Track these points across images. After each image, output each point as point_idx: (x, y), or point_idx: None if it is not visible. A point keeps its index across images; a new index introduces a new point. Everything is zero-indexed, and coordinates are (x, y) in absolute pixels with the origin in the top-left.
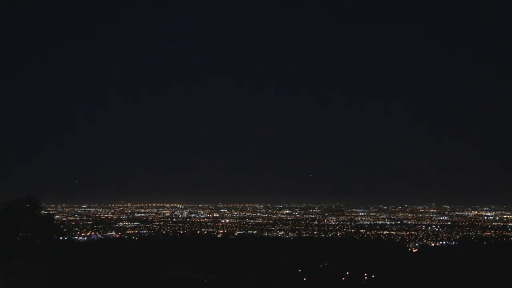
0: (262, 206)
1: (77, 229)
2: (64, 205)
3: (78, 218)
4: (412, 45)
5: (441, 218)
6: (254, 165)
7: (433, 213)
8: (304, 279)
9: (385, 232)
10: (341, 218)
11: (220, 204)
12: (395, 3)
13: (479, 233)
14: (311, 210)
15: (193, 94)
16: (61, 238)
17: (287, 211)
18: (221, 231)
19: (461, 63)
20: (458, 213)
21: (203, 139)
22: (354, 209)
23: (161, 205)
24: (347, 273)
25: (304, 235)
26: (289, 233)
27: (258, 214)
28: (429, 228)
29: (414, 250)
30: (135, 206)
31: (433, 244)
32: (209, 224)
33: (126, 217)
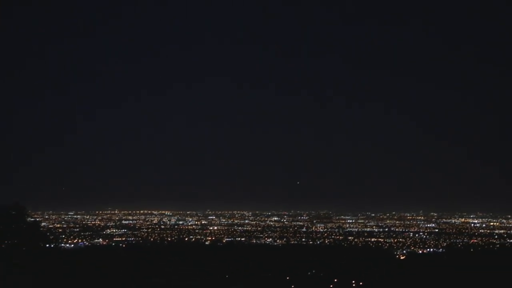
0: (250, 213)
1: (64, 236)
2: (51, 212)
3: (65, 225)
4: (412, 45)
5: (428, 225)
6: (242, 173)
7: (420, 220)
8: (292, 286)
9: (373, 239)
10: (329, 225)
11: (208, 211)
12: (395, 3)
13: (466, 240)
14: (299, 217)
15: (192, 94)
16: (47, 245)
17: (275, 218)
18: (209, 238)
19: (460, 63)
20: (445, 220)
21: (190, 146)
22: (342, 216)
23: (149, 212)
24: (335, 280)
25: (293, 242)
26: (278, 240)
27: (247, 221)
28: (417, 235)
29: (401, 257)
30: (123, 213)
31: (420, 251)
32: (197, 231)
33: (114, 224)
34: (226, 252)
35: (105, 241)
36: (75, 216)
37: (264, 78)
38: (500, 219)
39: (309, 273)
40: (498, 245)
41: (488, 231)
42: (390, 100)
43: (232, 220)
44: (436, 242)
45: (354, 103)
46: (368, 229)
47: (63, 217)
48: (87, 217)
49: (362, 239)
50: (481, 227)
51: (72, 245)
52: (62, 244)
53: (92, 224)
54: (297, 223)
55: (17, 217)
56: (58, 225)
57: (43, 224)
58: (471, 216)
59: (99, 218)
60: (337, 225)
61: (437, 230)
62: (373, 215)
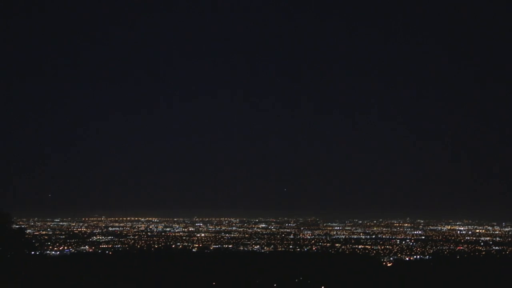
0: (237, 220)
1: (49, 243)
2: (36, 218)
3: (50, 232)
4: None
5: (415, 232)
6: (230, 179)
7: (407, 227)
8: None
9: (360, 246)
10: (316, 232)
11: (196, 218)
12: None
13: (452, 247)
14: (286, 224)
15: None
16: (32, 252)
17: (262, 225)
18: (197, 245)
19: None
20: (432, 228)
21: (178, 153)
22: (329, 223)
23: (136, 219)
24: (322, 287)
25: (280, 249)
26: (265, 247)
27: (234, 228)
28: (404, 242)
29: (388, 264)
30: (110, 220)
31: (407, 258)
32: (184, 238)
33: (100, 231)
34: (212, 259)
35: (91, 248)
36: (61, 223)
37: (244, 85)
38: (486, 226)
39: (296, 280)
40: (483, 252)
41: (474, 238)
42: (376, 107)
43: (219, 227)
44: (423, 249)
45: (341, 111)
46: (355, 236)
47: (48, 224)
48: (73, 224)
49: (349, 246)
50: (467, 234)
51: (58, 252)
52: (48, 252)
53: (78, 231)
54: (285, 230)
55: (1, 224)
56: (44, 232)
57: (28, 231)
58: (457, 223)
59: (86, 225)
60: (324, 232)
61: (423, 237)
62: (360, 222)
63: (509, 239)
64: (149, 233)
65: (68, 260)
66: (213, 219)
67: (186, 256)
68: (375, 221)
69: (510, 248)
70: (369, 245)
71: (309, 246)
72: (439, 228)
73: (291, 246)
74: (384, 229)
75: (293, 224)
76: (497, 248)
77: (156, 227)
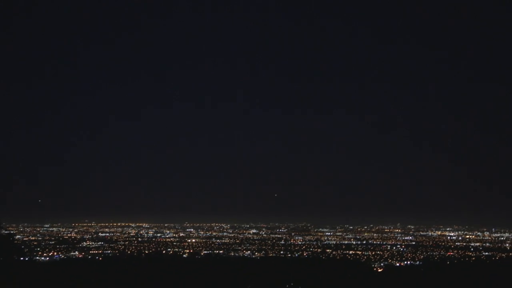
0: (228, 225)
1: (39, 249)
2: (25, 224)
3: (40, 238)
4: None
5: (405, 238)
6: (221, 185)
7: (398, 233)
8: None
9: (351, 252)
10: (307, 237)
11: (186, 224)
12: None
13: (442, 252)
14: (277, 230)
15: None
16: (22, 258)
17: (253, 231)
18: (187, 250)
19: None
20: (422, 233)
21: (169, 158)
22: (320, 229)
23: (126, 224)
24: None
25: (271, 254)
26: (256, 253)
27: (225, 233)
28: (394, 248)
29: (379, 270)
30: (100, 226)
31: (398, 264)
32: (175, 243)
33: (90, 236)
34: (202, 265)
35: (81, 254)
36: (50, 229)
37: (238, 89)
38: (476, 232)
39: (287, 285)
40: (473, 258)
41: (464, 244)
42: (366, 111)
43: (210, 232)
44: (413, 255)
45: (331, 115)
46: (346, 242)
47: (38, 229)
48: (63, 230)
49: (340, 251)
50: (457, 240)
51: (48, 258)
52: (37, 257)
53: (68, 236)
54: (276, 235)
55: None
56: (33, 238)
57: (17, 236)
58: (448, 229)
59: (75, 230)
60: (315, 237)
61: (414, 243)
62: (351, 227)
63: (499, 245)
64: (139, 239)
65: (58, 266)
66: (204, 224)
67: (176, 262)
68: (366, 227)
69: (500, 253)
70: (360, 250)
71: (300, 252)
72: (430, 233)
73: (282, 252)
74: (375, 234)
75: (284, 229)
76: (487, 253)
77: (147, 233)
